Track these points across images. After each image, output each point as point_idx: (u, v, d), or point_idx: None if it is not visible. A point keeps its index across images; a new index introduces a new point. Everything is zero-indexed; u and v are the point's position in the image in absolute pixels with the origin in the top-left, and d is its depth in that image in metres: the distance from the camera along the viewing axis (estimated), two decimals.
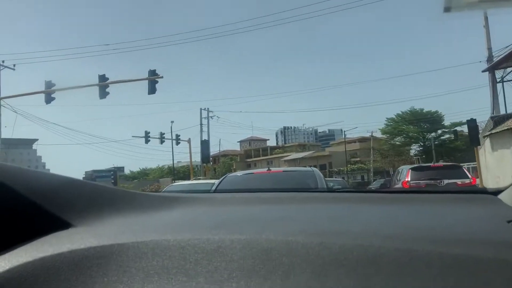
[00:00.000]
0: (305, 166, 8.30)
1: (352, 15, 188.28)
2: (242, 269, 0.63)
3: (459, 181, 10.21)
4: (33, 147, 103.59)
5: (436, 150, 51.05)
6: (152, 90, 19.50)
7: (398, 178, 12.05)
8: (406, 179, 10.65)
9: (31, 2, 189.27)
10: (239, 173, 7.45)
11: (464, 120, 53.08)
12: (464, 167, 11.91)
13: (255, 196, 1.21)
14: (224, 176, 7.22)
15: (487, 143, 18.60)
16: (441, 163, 11.91)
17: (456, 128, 51.80)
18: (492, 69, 18.72)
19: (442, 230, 0.73)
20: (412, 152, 62.08)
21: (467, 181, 10.30)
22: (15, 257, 0.66)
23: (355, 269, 0.60)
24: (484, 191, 1.16)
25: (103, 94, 19.77)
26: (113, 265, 0.66)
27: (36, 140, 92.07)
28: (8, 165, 0.80)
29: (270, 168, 6.89)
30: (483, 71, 18.92)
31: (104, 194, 0.92)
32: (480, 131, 19.60)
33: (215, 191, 7.17)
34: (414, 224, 0.80)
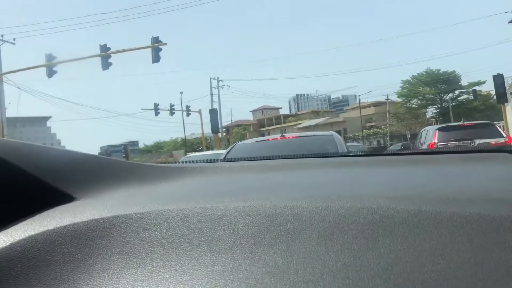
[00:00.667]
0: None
1: None
2: (247, 237, 0.63)
3: (492, 141, 9.23)
4: (47, 125, 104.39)
5: (454, 111, 49.92)
6: (156, 58, 18.66)
7: (421, 141, 11.09)
8: (433, 141, 9.68)
9: None
10: (249, 140, 6.72)
11: (482, 79, 53.41)
12: (498, 125, 10.93)
13: (263, 163, 1.16)
14: (233, 145, 6.51)
15: None
16: (471, 122, 10.83)
17: (475, 88, 50.22)
18: None
19: (454, 190, 0.72)
20: (429, 114, 61.01)
21: (501, 140, 9.30)
22: (18, 232, 0.67)
23: (362, 232, 0.59)
24: (501, 149, 1.09)
25: (106, 64, 19.02)
26: (116, 236, 0.66)
27: (49, 117, 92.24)
28: (8, 140, 0.81)
29: (284, 134, 6.09)
30: (509, 22, 17.56)
31: (108, 166, 0.92)
32: (506, 87, 18.40)
33: (223, 161, 5.86)
34: (425, 185, 0.79)
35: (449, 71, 56.30)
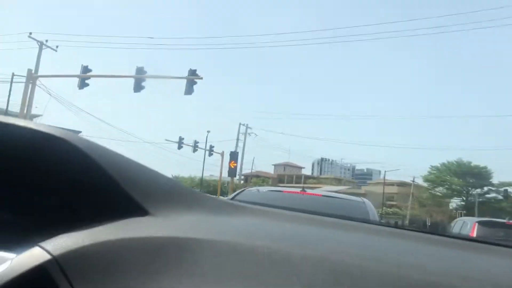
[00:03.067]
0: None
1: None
2: (313, 286, 0.63)
3: None
4: None
5: (479, 208, 48.04)
6: (189, 90, 18.26)
7: (454, 232, 9.95)
8: (471, 235, 8.59)
9: None
10: (262, 188, 5.63)
11: None
12: None
13: (317, 218, 1.14)
14: (241, 190, 5.46)
15: None
16: None
17: (506, 188, 48.46)
18: None
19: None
20: (452, 205, 59.19)
21: None
22: (97, 234, 0.71)
23: None
24: None
25: (138, 87, 18.74)
26: (188, 258, 0.68)
27: (79, 132, 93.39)
28: (100, 145, 0.85)
29: (306, 190, 5.10)
30: None
31: (181, 190, 0.95)
32: None
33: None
34: (486, 271, 0.76)
35: (480, 166, 54.92)
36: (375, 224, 1.34)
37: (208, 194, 1.06)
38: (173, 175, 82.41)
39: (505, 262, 0.87)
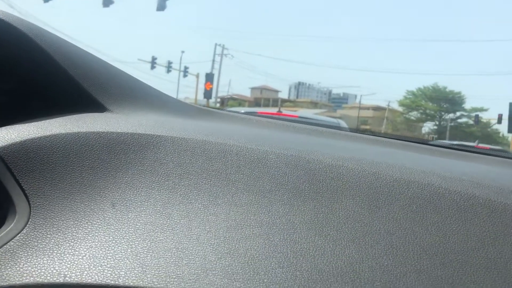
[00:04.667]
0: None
1: None
2: (287, 185, 0.61)
3: None
4: None
5: (451, 132, 49.34)
6: (161, 6, 17.22)
7: None
8: None
9: None
10: (238, 109, 5.51)
11: (486, 107, 53.11)
12: None
13: (293, 125, 1.13)
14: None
15: None
16: (487, 146, 9.66)
17: (477, 113, 49.52)
18: None
19: (507, 183, 0.68)
20: (425, 129, 60.60)
21: None
22: (46, 126, 0.65)
23: (409, 205, 0.58)
24: None
25: (107, 2, 17.53)
26: (149, 154, 0.64)
27: None
28: (51, 33, 0.77)
29: (281, 110, 4.92)
30: None
31: (144, 88, 0.90)
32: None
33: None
34: (478, 174, 0.74)
35: (455, 91, 55.69)
36: (352, 132, 1.26)
37: (177, 99, 1.00)
38: None
39: (483, 165, 0.89)
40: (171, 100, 0.94)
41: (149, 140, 0.66)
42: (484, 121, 51.55)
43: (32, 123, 0.65)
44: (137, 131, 0.67)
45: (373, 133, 1.57)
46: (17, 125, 0.63)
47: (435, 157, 0.93)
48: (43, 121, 0.66)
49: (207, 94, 26.62)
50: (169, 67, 35.46)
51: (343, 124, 4.89)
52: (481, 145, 9.37)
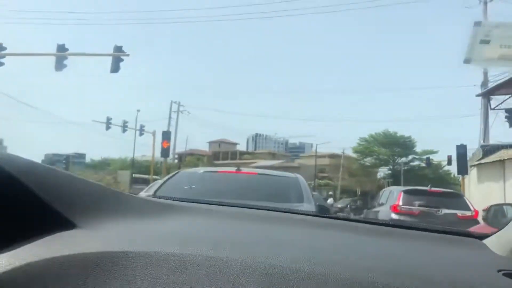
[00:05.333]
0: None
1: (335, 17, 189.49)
2: None
3: (459, 213, 8.59)
4: None
5: (405, 176, 50.82)
6: (115, 68, 17.45)
7: (381, 201, 10.34)
8: (397, 203, 8.96)
9: None
10: (197, 169, 5.61)
11: (435, 149, 55.41)
12: (465, 197, 10.33)
13: (245, 212, 1.22)
14: (175, 172, 5.35)
15: (473, 173, 17.33)
16: (440, 189, 10.17)
17: (428, 156, 51.50)
18: (487, 94, 17.36)
19: (435, 272, 0.77)
20: (380, 174, 62.12)
21: (468, 213, 8.71)
22: (21, 255, 0.67)
23: None
24: (469, 234, 1.17)
25: (61, 66, 17.64)
26: (117, 273, 0.67)
27: None
28: (18, 156, 0.81)
29: (241, 168, 5.05)
30: (477, 95, 17.59)
31: (106, 195, 0.93)
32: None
33: (158, 190, 4.34)
34: (407, 262, 0.84)
35: (405, 136, 57.87)
36: (307, 215, 1.38)
37: (134, 195, 1.05)
38: (102, 157, 79.62)
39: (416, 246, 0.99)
40: (133, 200, 1.00)
41: (116, 257, 0.68)
42: (436, 163, 53.49)
43: (5, 253, 0.66)
44: (106, 248, 0.70)
45: (330, 216, 1.73)
46: None
47: (377, 239, 1.04)
48: (15, 250, 0.67)
49: (165, 153, 26.54)
50: (124, 127, 35.21)
51: (300, 178, 5.05)
52: (433, 188, 9.83)
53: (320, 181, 60.64)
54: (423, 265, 0.80)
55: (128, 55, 17.85)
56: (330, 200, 32.97)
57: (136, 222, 0.87)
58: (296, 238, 0.94)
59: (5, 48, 18.15)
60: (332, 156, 66.11)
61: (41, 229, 0.74)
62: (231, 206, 1.28)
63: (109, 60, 17.75)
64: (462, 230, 1.24)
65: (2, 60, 18.07)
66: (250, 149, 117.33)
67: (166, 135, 26.85)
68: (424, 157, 53.14)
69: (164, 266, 0.67)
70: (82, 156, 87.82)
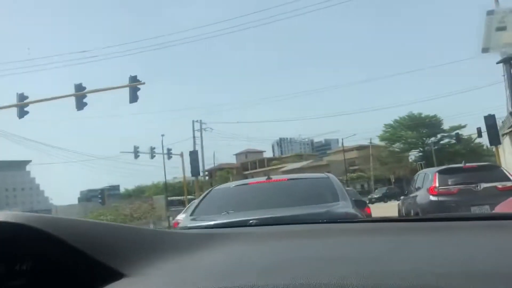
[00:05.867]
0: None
1: (341, 13, 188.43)
2: None
3: (499, 185, 8.37)
4: (27, 169, 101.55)
5: (437, 155, 49.94)
6: (133, 98, 17.82)
7: (417, 186, 10.16)
8: (433, 185, 8.81)
9: None
10: (229, 184, 5.63)
11: (463, 123, 54.25)
12: (503, 168, 10.08)
13: (285, 230, 1.20)
14: (208, 190, 5.40)
15: (506, 142, 16.92)
16: (475, 164, 9.92)
17: (457, 131, 50.49)
18: (509, 60, 16.94)
19: (486, 265, 0.72)
20: (411, 158, 61.16)
21: (509, 183, 8.47)
22: None
23: None
24: None
25: (81, 105, 18.11)
26: None
27: (29, 161, 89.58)
28: (60, 218, 0.85)
29: (271, 177, 5.05)
30: (498, 63, 17.21)
31: (147, 237, 0.95)
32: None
33: (195, 210, 4.49)
34: (457, 259, 0.78)
35: (430, 115, 56.86)
36: (345, 222, 1.38)
37: (175, 231, 1.09)
38: (136, 186, 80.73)
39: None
40: (173, 236, 1.03)
41: None
42: (466, 137, 52.40)
43: None
44: None
45: (369, 220, 1.68)
46: None
47: (421, 237, 0.99)
48: None
49: (195, 171, 26.84)
50: (152, 153, 35.82)
51: (332, 176, 5.02)
52: (468, 164, 9.60)
53: (352, 174, 60.13)
54: (475, 260, 0.74)
55: (143, 83, 18.20)
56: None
57: (178, 261, 0.87)
58: (339, 251, 0.93)
59: (27, 97, 18.78)
60: (360, 148, 65.48)
61: (93, 284, 0.75)
62: (268, 225, 1.29)
63: (126, 91, 18.17)
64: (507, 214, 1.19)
65: (26, 109, 18.69)
66: (276, 155, 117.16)
67: (193, 154, 27.16)
68: (453, 133, 52.20)
69: None
70: (116, 187, 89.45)
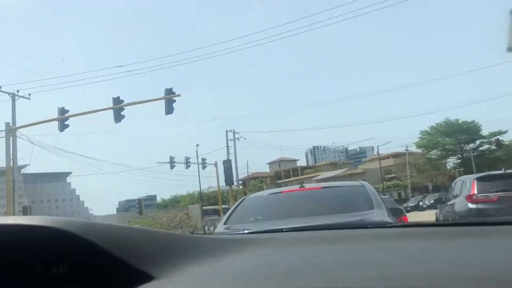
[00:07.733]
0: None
1: (374, 18, 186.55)
2: None
3: None
4: (67, 180, 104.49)
5: (476, 162, 48.51)
6: (169, 110, 18.21)
7: (455, 193, 9.93)
8: (472, 192, 8.61)
9: (35, 27, 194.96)
10: (262, 193, 5.63)
11: (504, 129, 52.56)
12: None
13: (314, 235, 1.20)
14: (241, 199, 5.43)
15: None
16: None
17: (498, 137, 48.93)
18: None
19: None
20: (450, 165, 59.63)
21: None
22: None
23: None
24: None
25: (118, 117, 18.64)
26: None
27: (69, 173, 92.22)
28: (93, 223, 0.87)
29: (304, 185, 5.04)
30: None
31: (176, 241, 0.96)
32: None
33: (228, 218, 4.61)
34: (488, 264, 0.76)
35: (468, 121, 55.38)
36: (377, 228, 1.39)
37: (205, 236, 1.09)
38: (172, 196, 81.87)
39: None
40: (203, 241, 1.04)
41: None
42: (507, 143, 50.74)
43: None
44: None
45: (401, 225, 1.68)
46: None
47: (455, 242, 0.98)
48: None
49: (229, 180, 27.08)
50: (187, 163, 36.35)
51: (366, 184, 4.94)
52: (509, 170, 9.29)
53: (389, 182, 59.06)
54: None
55: (179, 95, 18.60)
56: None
57: (207, 264, 0.89)
58: (368, 255, 0.93)
59: (67, 111, 19.49)
60: (396, 155, 64.35)
61: (123, 286, 0.77)
62: (299, 230, 1.34)
63: (162, 103, 18.59)
64: None
65: (67, 122, 19.40)
66: (310, 163, 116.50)
67: (227, 163, 27.41)
68: (493, 139, 50.66)
69: None
70: (153, 197, 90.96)
